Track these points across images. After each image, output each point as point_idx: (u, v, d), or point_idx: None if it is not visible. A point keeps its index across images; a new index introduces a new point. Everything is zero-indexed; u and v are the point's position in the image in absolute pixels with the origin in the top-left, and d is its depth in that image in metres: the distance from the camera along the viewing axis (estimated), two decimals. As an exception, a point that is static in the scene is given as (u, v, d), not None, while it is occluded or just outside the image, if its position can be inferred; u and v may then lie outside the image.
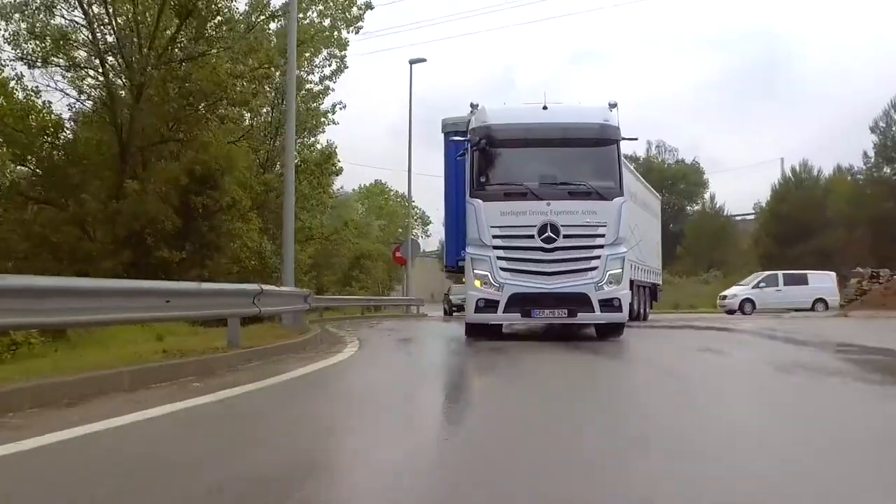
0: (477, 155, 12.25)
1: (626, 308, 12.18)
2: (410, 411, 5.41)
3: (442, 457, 3.67)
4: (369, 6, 23.38)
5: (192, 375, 6.28)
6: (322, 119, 26.78)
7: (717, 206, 64.31)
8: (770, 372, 7.53)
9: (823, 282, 30.12)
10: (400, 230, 60.25)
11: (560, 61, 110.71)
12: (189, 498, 2.79)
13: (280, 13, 22.34)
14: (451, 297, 33.63)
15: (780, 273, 31.06)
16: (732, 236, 58.74)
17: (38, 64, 17.28)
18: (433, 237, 70.69)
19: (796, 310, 27.74)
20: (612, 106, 12.47)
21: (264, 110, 23.68)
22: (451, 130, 14.42)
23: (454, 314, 30.96)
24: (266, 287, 8.81)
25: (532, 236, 11.68)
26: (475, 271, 11.94)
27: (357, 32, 23.97)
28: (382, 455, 3.68)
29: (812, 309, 28.61)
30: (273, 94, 23.55)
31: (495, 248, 11.85)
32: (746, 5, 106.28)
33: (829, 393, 5.95)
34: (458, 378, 7.96)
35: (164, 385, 5.84)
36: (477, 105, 12.73)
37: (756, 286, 30.47)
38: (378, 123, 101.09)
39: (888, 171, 42.62)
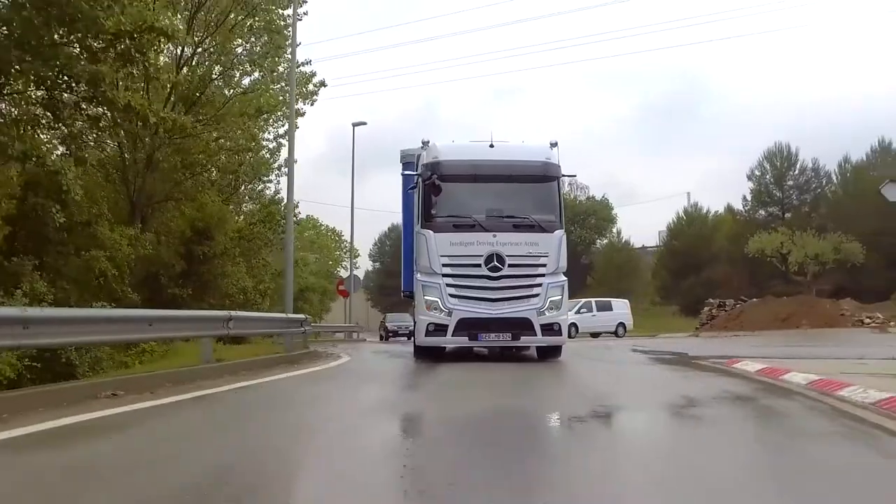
0: (428, 188, 13.13)
1: (565, 332, 13.32)
2: (397, 378, 11.10)
3: (415, 386, 9.48)
4: (323, 84, 28.79)
5: (285, 364, 11.88)
6: (276, 171, 32.06)
7: (624, 239, 71.74)
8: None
9: (622, 308, 35.39)
10: (331, 262, 65.60)
11: (482, 99, 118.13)
12: (312, 401, 8.34)
13: (251, 90, 27.66)
14: (386, 324, 39.22)
15: (593, 300, 35.95)
16: (638, 268, 65.80)
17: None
18: (360, 269, 76.04)
19: (592, 334, 32.59)
20: (553, 145, 13.51)
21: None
22: (409, 162, 15.34)
23: (389, 339, 36.58)
24: (307, 317, 14.50)
25: (479, 265, 12.61)
26: (426, 297, 12.80)
27: (312, 105, 29.29)
28: (392, 386, 9.59)
29: (615, 333, 33.36)
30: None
31: (445, 275, 12.72)
32: (663, 45, 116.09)
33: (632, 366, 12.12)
34: (418, 371, 12.73)
35: (278, 367, 11.40)
36: (428, 142, 13.67)
37: (577, 311, 33.55)
38: (299, 155, 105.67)
39: (763, 213, 50.15)
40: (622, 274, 62.66)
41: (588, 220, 76.88)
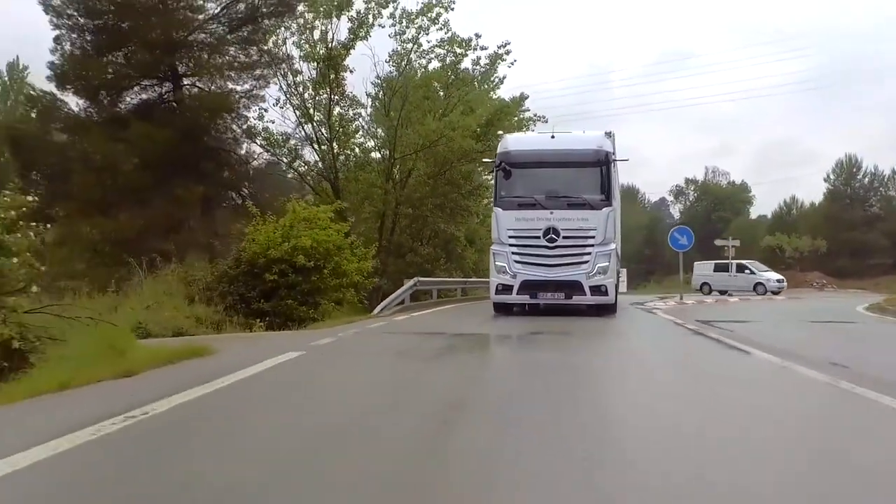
0: (500, 174, 15.32)
1: (611, 293, 15.11)
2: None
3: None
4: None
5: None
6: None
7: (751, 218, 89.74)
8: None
9: (763, 270, 40.53)
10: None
11: (645, 65, 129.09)
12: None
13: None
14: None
15: (733, 262, 39.69)
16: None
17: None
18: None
19: (720, 291, 38.34)
20: (608, 134, 15.60)
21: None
22: None
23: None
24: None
25: (539, 237, 14.74)
26: (496, 263, 15.13)
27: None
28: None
29: (754, 290, 37.84)
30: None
31: (511, 245, 14.95)
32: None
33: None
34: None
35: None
36: (502, 134, 16.27)
37: (713, 272, 40.17)
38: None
39: (837, 205, 69.95)
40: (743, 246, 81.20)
41: (727, 202, 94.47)
